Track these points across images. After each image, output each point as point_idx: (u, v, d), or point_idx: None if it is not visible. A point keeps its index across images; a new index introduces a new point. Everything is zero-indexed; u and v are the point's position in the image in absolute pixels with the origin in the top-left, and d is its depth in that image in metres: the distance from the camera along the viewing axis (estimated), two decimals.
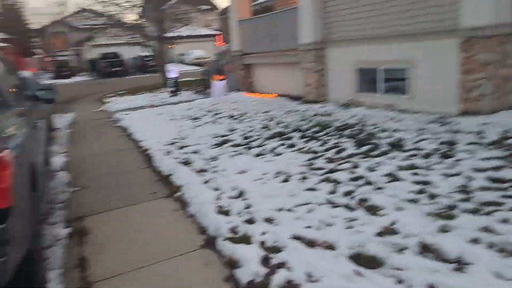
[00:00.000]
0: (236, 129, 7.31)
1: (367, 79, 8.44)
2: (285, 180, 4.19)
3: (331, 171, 4.32)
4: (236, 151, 5.72)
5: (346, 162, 4.55)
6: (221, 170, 4.88)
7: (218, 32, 46.28)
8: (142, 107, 12.34)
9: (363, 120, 6.87)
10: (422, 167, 4.06)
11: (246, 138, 6.52)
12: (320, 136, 5.97)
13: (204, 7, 48.51)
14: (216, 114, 9.32)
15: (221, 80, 12.26)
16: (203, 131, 7.42)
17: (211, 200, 3.95)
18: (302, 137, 6.09)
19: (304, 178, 4.19)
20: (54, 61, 41.86)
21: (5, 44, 40.12)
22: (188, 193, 4.24)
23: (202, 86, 15.20)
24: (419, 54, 7.07)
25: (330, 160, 4.71)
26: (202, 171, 5.04)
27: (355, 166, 4.37)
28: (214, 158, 5.50)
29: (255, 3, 14.59)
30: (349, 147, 5.16)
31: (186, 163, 5.49)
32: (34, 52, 48.27)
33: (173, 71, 13.86)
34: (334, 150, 5.11)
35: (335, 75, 9.08)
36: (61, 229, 3.87)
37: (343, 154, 4.91)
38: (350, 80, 8.64)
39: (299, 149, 5.43)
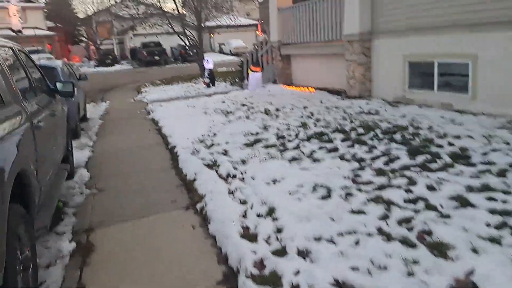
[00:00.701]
0: (270, 127, 6.66)
1: (420, 74, 7.50)
2: (325, 196, 3.51)
3: (382, 187, 3.59)
4: (268, 153, 5.08)
5: (400, 176, 3.79)
6: (250, 177, 4.26)
7: (258, 22, 45.52)
8: (176, 98, 11.96)
9: (416, 121, 6.01)
10: (498, 189, 3.25)
11: (280, 137, 5.87)
12: (366, 140, 5.20)
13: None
14: (250, 108, 8.70)
15: (257, 71, 11.62)
16: (235, 128, 6.83)
17: (235, 217, 3.34)
18: (345, 139, 5.35)
19: (348, 195, 3.49)
20: (98, 49, 42.80)
21: (53, 33, 41.41)
22: (210, 205, 3.66)
23: (238, 77, 14.64)
24: (484, 48, 6.08)
25: (380, 172, 3.97)
26: (228, 176, 4.45)
27: (411, 182, 3.61)
28: (243, 161, 4.89)
29: None
30: (402, 155, 4.38)
31: (213, 165, 4.92)
32: (80, 41, 49.64)
33: (208, 62, 13.36)
34: (383, 159, 4.35)
35: (382, 68, 8.19)
36: (67, 242, 3.41)
37: (395, 164, 4.15)
38: (400, 75, 7.74)
39: (342, 155, 4.70)
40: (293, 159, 4.76)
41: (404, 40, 7.53)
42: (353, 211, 3.17)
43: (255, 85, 11.52)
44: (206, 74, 13.49)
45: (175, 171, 5.16)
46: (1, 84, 2.84)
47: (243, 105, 9.23)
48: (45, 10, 43.11)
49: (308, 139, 5.59)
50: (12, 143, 2.47)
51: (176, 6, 17.81)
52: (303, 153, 4.97)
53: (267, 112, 8.06)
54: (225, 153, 5.41)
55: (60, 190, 4.14)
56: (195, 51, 18.87)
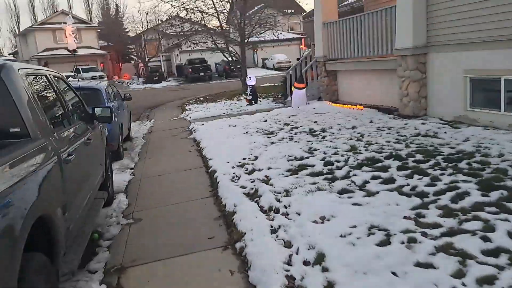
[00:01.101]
0: (316, 150, 6.21)
1: (484, 91, 6.78)
2: (384, 243, 3.02)
3: (452, 232, 3.04)
4: (315, 183, 4.63)
5: (473, 218, 3.22)
6: (295, 213, 3.84)
7: (302, 36, 45.26)
8: (218, 116, 11.80)
9: (482, 146, 5.33)
10: None
11: (328, 164, 5.40)
12: (427, 169, 4.63)
13: (288, 10, 47.77)
14: (294, 128, 8.30)
15: (301, 88, 11.21)
16: (277, 151, 6.44)
17: (278, 264, 2.93)
18: (402, 167, 4.79)
19: (412, 241, 2.97)
20: (146, 66, 44.32)
21: (105, 51, 43.43)
22: (251, 246, 3.28)
23: (281, 93, 14.31)
24: None
25: (447, 212, 3.41)
26: (271, 210, 4.05)
27: (488, 227, 3.04)
28: (287, 192, 4.47)
29: (342, 4, 13.29)
30: (472, 190, 3.78)
31: (253, 195, 4.56)
32: (130, 59, 51.74)
33: (251, 79, 13.15)
34: (450, 194, 3.77)
35: (439, 85, 7.52)
36: (97, 284, 3.15)
37: (465, 202, 3.57)
38: (460, 92, 7.04)
39: (400, 187, 4.17)
40: (344, 191, 4.28)
41: (465, 54, 6.85)
42: (419, 264, 2.66)
43: (299, 102, 11.11)
44: (248, 91, 13.28)
45: (214, 200, 4.85)
46: (27, 117, 2.64)
47: (286, 124, 8.84)
48: (99, 30, 45.42)
49: (359, 166, 5.08)
50: (32, 185, 2.23)
51: (220, 23, 17.91)
52: (355, 183, 4.48)
53: (312, 132, 7.62)
54: (267, 180, 5.02)
55: (95, 222, 3.93)
56: (238, 66, 18.85)
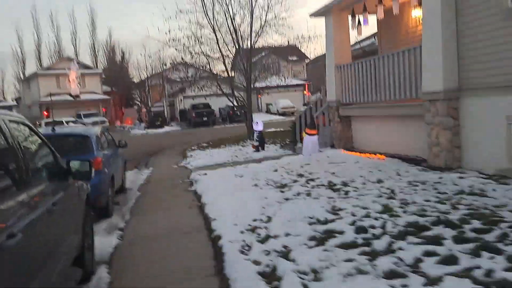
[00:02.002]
0: (341, 210, 5.18)
1: None
2: None
3: None
4: (350, 260, 3.56)
5: None
6: None
7: (306, 82, 45.39)
8: (223, 164, 10.85)
9: None
10: None
11: (361, 230, 4.34)
12: (494, 242, 3.57)
13: (292, 57, 48.25)
14: (310, 180, 7.30)
15: (313, 134, 10.33)
16: (294, 210, 5.41)
17: None
18: (460, 239, 3.74)
19: None
20: (149, 111, 44.12)
21: (108, 97, 43.41)
22: None
23: (290, 139, 13.44)
24: None
25: None
26: None
27: None
28: (315, 274, 3.40)
29: (354, 48, 12.76)
30: None
31: (271, 276, 3.49)
32: (133, 104, 51.81)
33: (258, 124, 12.34)
34: None
35: (476, 133, 6.59)
36: None
37: None
38: (503, 141, 6.10)
39: (468, 271, 3.11)
40: (393, 274, 3.21)
41: (508, 98, 5.97)
42: None
43: (311, 149, 10.19)
44: (255, 137, 12.42)
45: (219, 280, 3.76)
46: None
47: (300, 175, 7.85)
48: (103, 76, 45.72)
49: (402, 235, 4.03)
50: None
51: (226, 68, 17.45)
52: (403, 261, 3.42)
53: (332, 186, 6.60)
54: (287, 253, 3.96)
55: None
56: (243, 111, 18.23)
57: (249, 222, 5.18)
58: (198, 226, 5.62)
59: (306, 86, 44.60)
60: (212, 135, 23.31)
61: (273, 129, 20.62)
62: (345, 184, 6.65)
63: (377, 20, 11.27)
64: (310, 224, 4.78)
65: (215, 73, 17.71)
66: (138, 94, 46.92)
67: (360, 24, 10.62)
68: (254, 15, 15.91)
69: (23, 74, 50.76)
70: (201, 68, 17.71)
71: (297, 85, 44.64)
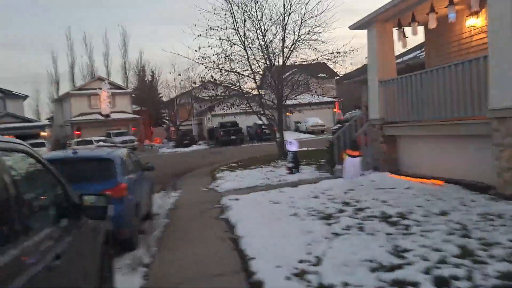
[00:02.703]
0: (407, 252, 4.27)
1: None
2: None
3: None
4: None
5: None
6: None
7: (336, 100, 44.40)
8: (255, 188, 10.05)
9: None
10: None
11: (441, 282, 3.43)
12: None
13: (322, 75, 47.40)
14: (358, 210, 6.38)
15: (355, 156, 9.42)
16: (348, 249, 4.54)
17: None
18: None
19: None
20: (177, 130, 44.13)
21: (137, 116, 43.78)
22: None
23: (326, 160, 12.50)
24: None
25: None
26: None
27: None
28: None
29: (397, 60, 11.87)
30: None
31: None
32: (162, 122, 52.20)
33: (292, 144, 11.53)
34: None
35: None
36: None
37: None
38: None
39: None
40: None
41: None
42: None
43: (353, 173, 9.26)
44: (288, 158, 11.58)
45: None
46: None
47: (346, 203, 6.95)
48: (133, 95, 46.30)
49: None
50: None
51: (257, 85, 16.84)
52: None
53: (386, 219, 5.67)
54: None
55: None
56: (274, 130, 17.52)
57: (294, 264, 4.35)
58: (233, 266, 4.81)
59: (337, 104, 43.60)
60: (241, 154, 22.64)
61: (304, 148, 19.73)
62: (402, 216, 5.70)
63: (425, 31, 10.39)
64: (372, 270, 3.89)
65: (244, 90, 17.13)
66: (167, 113, 47.16)
67: (405, 36, 9.78)
68: (286, 31, 15.31)
69: (57, 94, 52.21)
70: (231, 85, 17.17)
71: (327, 103, 43.71)
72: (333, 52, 15.50)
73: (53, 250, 2.31)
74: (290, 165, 11.45)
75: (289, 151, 11.55)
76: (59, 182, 2.84)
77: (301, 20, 15.14)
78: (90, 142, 31.58)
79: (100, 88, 40.07)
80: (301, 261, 4.41)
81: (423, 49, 13.35)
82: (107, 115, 40.22)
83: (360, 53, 15.44)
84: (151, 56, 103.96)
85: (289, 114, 39.49)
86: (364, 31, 10.18)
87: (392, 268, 3.90)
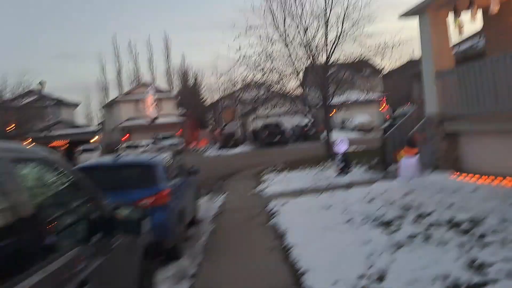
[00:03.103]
0: (487, 267, 3.64)
1: None
2: None
3: None
4: None
5: None
6: None
7: (382, 96, 42.70)
8: (303, 191, 9.57)
9: None
10: None
11: None
12: None
13: (365, 72, 45.82)
14: (421, 216, 5.73)
15: (412, 155, 8.67)
16: (416, 263, 3.97)
17: None
18: None
19: None
20: (222, 132, 44.38)
21: (183, 119, 44.56)
22: None
23: (378, 160, 11.75)
24: None
25: None
26: None
27: None
28: None
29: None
30: None
31: None
32: (207, 125, 52.84)
33: (342, 143, 10.91)
34: None
35: None
36: None
37: None
38: None
39: None
40: None
41: None
42: None
43: (410, 174, 8.53)
44: (338, 158, 10.97)
45: None
46: None
47: (405, 208, 6.30)
48: (178, 99, 47.21)
49: None
50: None
51: (301, 83, 16.32)
52: None
53: (456, 226, 5.01)
54: None
55: None
56: (319, 129, 16.94)
57: (353, 279, 3.87)
58: (284, 281, 4.38)
59: (383, 100, 41.94)
60: (286, 155, 22.14)
61: (352, 148, 18.89)
62: (474, 222, 5.01)
63: (483, 16, 9.43)
64: None
65: (287, 90, 16.67)
66: (211, 116, 47.64)
67: (461, 24, 8.88)
68: (328, 25, 14.68)
69: (106, 100, 54.34)
70: (273, 85, 16.76)
71: (373, 100, 42.16)
72: (379, 46, 14.69)
73: (79, 275, 2.00)
74: (340, 166, 10.83)
75: (339, 151, 10.93)
76: (89, 194, 2.55)
77: (344, 14, 14.47)
78: (139, 146, 32.42)
79: (147, 93, 41.17)
80: (361, 276, 3.92)
81: (480, 38, 12.25)
82: (154, 119, 41.25)
83: (407, 47, 14.41)
84: (193, 60, 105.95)
85: (335, 112, 38.51)
86: (413, 22, 9.41)
87: (473, 287, 3.30)
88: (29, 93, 33.89)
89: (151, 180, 5.42)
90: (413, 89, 16.22)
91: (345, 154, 10.92)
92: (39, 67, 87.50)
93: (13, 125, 31.10)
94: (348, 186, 9.26)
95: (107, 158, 6.07)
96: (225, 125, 42.40)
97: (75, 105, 45.88)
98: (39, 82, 30.68)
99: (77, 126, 41.58)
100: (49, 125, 35.75)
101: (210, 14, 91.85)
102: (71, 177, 2.42)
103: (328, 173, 11.62)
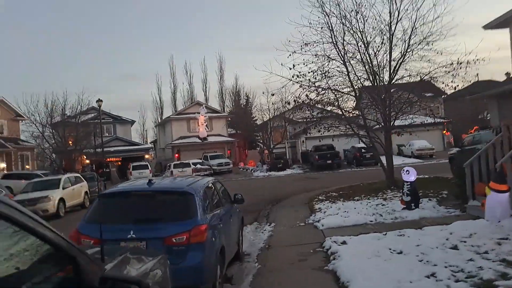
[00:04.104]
0: None
1: None
2: None
3: None
4: None
5: None
6: None
7: (445, 120, 39.84)
8: (364, 226, 8.28)
9: None
10: None
11: None
12: None
13: (427, 94, 43.18)
14: None
15: (502, 191, 7.11)
16: None
17: None
18: None
19: None
20: (271, 153, 43.50)
21: (233, 139, 44.28)
22: None
23: (454, 193, 10.08)
24: None
25: None
26: None
27: None
28: None
29: None
30: None
31: None
32: (256, 146, 52.24)
33: (409, 173, 9.47)
34: None
35: None
36: None
37: None
38: None
39: None
40: None
41: None
42: None
43: (500, 213, 6.96)
44: (405, 189, 9.50)
45: None
46: None
47: (508, 262, 4.85)
48: (229, 119, 47.16)
49: None
50: None
51: (358, 103, 15.05)
52: None
53: None
54: None
55: None
56: (375, 154, 15.45)
57: None
58: None
59: (446, 124, 39.14)
60: (339, 180, 20.66)
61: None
62: None
63: None
64: None
65: (344, 109, 15.41)
66: (260, 136, 46.99)
67: None
68: (393, 40, 13.40)
69: (161, 119, 55.66)
70: (329, 105, 15.58)
71: (434, 124, 39.42)
72: (452, 63, 13.12)
73: None
74: (407, 199, 9.35)
75: (405, 182, 9.48)
76: (65, 256, 1.60)
77: (412, 28, 13.14)
78: (187, 165, 32.25)
79: (198, 112, 41.43)
80: None
81: None
82: (204, 138, 41.28)
83: (485, 64, 12.71)
84: (245, 81, 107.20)
85: (397, 135, 36.33)
86: (497, 35, 7.96)
87: None
88: (87, 110, 35.17)
89: (187, 211, 4.49)
90: (491, 112, 14.32)
91: (413, 185, 9.44)
92: (99, 87, 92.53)
93: (72, 141, 32.23)
94: (420, 224, 7.82)
95: (139, 183, 5.26)
96: (275, 146, 41.44)
97: (131, 123, 47.24)
98: (97, 100, 31.63)
99: (132, 143, 42.59)
100: (104, 142, 36.76)
101: (266, 35, 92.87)
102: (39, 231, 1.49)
103: (392, 205, 10.15)
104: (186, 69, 62.77)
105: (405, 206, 9.41)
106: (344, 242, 6.82)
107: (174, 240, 4.20)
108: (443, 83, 13.73)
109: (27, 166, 33.35)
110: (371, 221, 8.71)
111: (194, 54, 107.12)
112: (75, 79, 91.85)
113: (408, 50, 13.25)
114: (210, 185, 5.51)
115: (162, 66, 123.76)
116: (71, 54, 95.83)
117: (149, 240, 4.16)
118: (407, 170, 9.55)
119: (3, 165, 27.90)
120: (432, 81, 14.41)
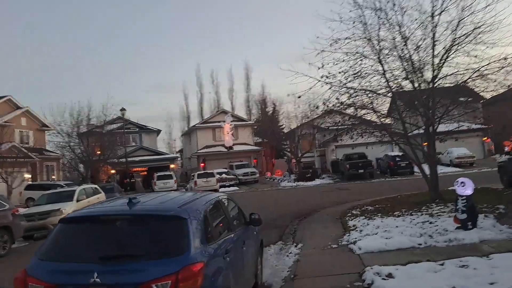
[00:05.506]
0: None
1: None
2: None
3: None
4: None
5: None
6: None
7: (486, 125, 37.13)
8: (412, 252, 6.79)
9: None
10: None
11: None
12: None
13: (464, 99, 40.56)
14: None
15: None
16: None
17: None
18: None
19: None
20: (298, 162, 41.93)
21: (259, 147, 43.03)
22: None
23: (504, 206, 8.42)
24: None
25: None
26: None
27: None
28: None
29: None
30: None
31: None
32: (283, 154, 50.77)
33: (464, 186, 7.86)
34: None
35: None
36: None
37: None
38: None
39: None
40: None
41: None
42: None
43: None
44: (460, 205, 7.89)
45: None
46: None
47: None
48: (255, 127, 45.98)
49: None
50: None
51: (394, 108, 13.47)
52: None
53: None
54: None
55: None
56: (407, 162, 13.75)
57: None
58: None
59: (487, 130, 36.42)
60: (373, 191, 18.94)
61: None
62: None
63: None
64: None
65: (379, 113, 13.83)
66: (287, 145, 45.54)
67: None
68: (436, 34, 11.81)
69: (187, 128, 55.22)
70: (362, 108, 14.01)
71: (473, 130, 36.76)
72: (506, 58, 11.39)
73: None
74: (463, 216, 7.73)
75: (460, 196, 7.87)
76: None
77: (458, 19, 11.52)
78: (211, 174, 31.21)
79: (224, 121, 40.51)
80: None
81: None
82: (230, 147, 40.26)
83: None
84: (272, 90, 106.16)
85: (425, 144, 34.07)
86: None
87: None
88: (114, 120, 34.86)
89: (175, 244, 3.21)
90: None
91: (470, 200, 7.82)
92: (126, 98, 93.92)
93: (98, 150, 31.90)
94: (482, 249, 6.26)
95: (118, 203, 4.00)
96: (303, 154, 39.84)
97: (157, 132, 46.89)
98: (120, 109, 31.24)
99: (157, 153, 42.10)
100: (129, 152, 36.33)
101: (293, 42, 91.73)
102: None
103: (442, 223, 8.52)
104: (213, 78, 62.25)
105: (459, 225, 7.79)
106: (390, 275, 5.36)
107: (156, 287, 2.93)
108: (495, 81, 11.99)
109: (53, 176, 33.27)
110: (420, 244, 7.18)
111: (221, 63, 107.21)
112: (102, 91, 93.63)
113: (454, 45, 11.63)
114: (215, 204, 4.22)
115: (189, 75, 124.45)
116: (99, 67, 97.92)
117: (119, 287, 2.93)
118: (462, 182, 7.93)
119: (28, 175, 27.73)
120: (476, 80, 12.71)
